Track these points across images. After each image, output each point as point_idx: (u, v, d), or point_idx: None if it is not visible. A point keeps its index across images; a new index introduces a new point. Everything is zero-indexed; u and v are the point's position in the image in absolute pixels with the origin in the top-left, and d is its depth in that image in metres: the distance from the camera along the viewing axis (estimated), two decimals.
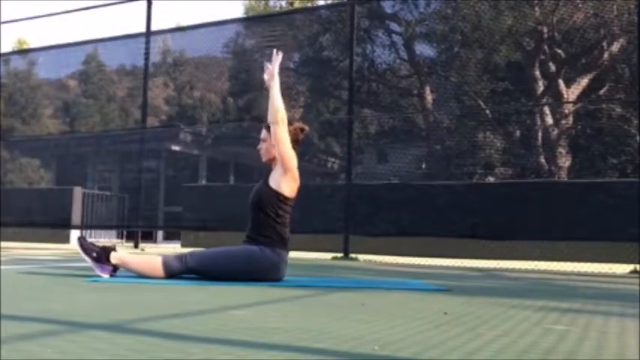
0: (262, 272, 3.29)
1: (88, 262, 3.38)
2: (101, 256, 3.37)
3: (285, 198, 3.36)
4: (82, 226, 11.13)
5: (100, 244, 3.50)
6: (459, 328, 1.85)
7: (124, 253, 3.56)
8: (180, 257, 3.34)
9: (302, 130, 3.49)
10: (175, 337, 1.58)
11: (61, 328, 1.73)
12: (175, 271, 3.32)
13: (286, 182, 3.34)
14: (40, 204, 9.87)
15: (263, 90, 3.50)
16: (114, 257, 3.38)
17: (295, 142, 3.43)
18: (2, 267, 4.29)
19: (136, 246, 9.21)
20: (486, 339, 1.67)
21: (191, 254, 3.36)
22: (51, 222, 9.85)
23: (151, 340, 1.52)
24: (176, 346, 1.46)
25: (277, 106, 3.34)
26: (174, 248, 10.10)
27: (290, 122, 3.47)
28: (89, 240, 3.53)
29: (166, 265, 3.31)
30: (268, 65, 3.46)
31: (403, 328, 1.86)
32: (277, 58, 3.45)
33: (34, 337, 1.53)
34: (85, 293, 2.73)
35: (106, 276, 3.33)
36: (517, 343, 1.61)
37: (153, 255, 3.50)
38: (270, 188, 3.35)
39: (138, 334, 1.63)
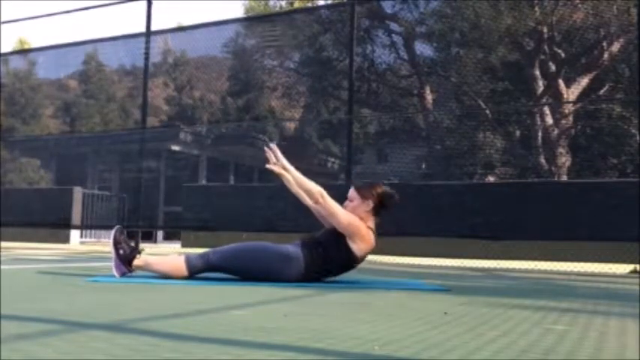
0: (281, 276, 3.26)
1: (112, 255, 3.36)
2: (127, 256, 3.35)
3: (355, 258, 3.32)
4: (82, 226, 11.14)
5: (132, 246, 3.47)
6: (459, 328, 1.85)
7: (146, 255, 3.55)
8: (203, 255, 3.35)
9: (391, 196, 3.41)
10: (175, 337, 1.58)
11: (61, 328, 1.73)
12: (198, 269, 3.32)
13: (356, 244, 3.28)
14: (40, 204, 9.87)
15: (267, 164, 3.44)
16: (138, 259, 3.37)
17: (380, 207, 3.38)
18: (2, 267, 4.29)
19: (136, 246, 9.21)
20: (486, 339, 1.67)
21: (214, 252, 3.36)
22: (51, 222, 9.85)
23: (150, 340, 1.52)
24: (176, 346, 1.46)
25: (310, 188, 3.33)
26: (175, 248, 10.10)
27: (379, 187, 3.41)
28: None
29: (189, 263, 3.30)
30: (273, 162, 3.41)
31: (403, 328, 1.86)
32: (275, 149, 3.42)
33: (34, 337, 1.53)
34: (85, 293, 2.73)
35: (117, 276, 3.33)
36: (517, 343, 1.61)
37: (175, 255, 3.51)
38: (344, 244, 3.28)
39: (138, 334, 1.63)
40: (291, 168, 3.42)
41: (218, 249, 3.39)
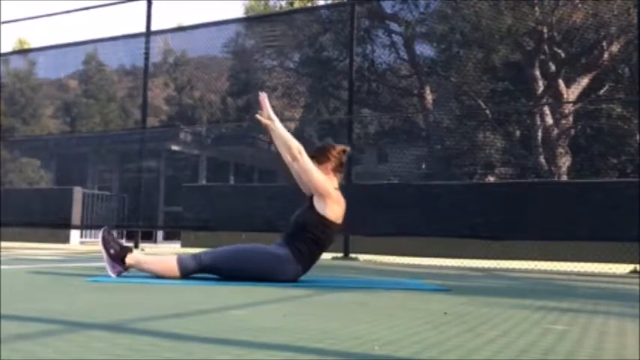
0: (275, 277, 3.27)
1: (103, 256, 3.36)
2: (119, 254, 3.36)
3: (330, 222, 3.34)
4: (81, 226, 11.14)
5: (122, 244, 3.48)
6: (459, 328, 1.85)
7: (138, 253, 3.55)
8: (195, 256, 3.35)
9: (344, 151, 3.50)
10: (175, 337, 1.58)
11: (61, 328, 1.73)
12: (190, 270, 3.31)
13: (329, 207, 3.32)
14: (40, 204, 9.87)
15: (263, 129, 3.52)
16: (129, 257, 3.37)
17: (340, 166, 3.47)
18: (2, 267, 4.29)
19: (136, 246, 9.21)
20: (486, 338, 1.67)
21: (205, 253, 3.36)
22: (51, 222, 9.85)
23: (150, 340, 1.52)
24: (176, 346, 1.46)
25: (290, 144, 3.35)
26: (174, 248, 10.10)
27: (331, 147, 3.50)
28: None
29: (181, 264, 3.30)
30: (262, 111, 3.45)
31: (403, 327, 1.86)
32: (264, 97, 3.46)
33: (34, 337, 1.53)
34: (85, 293, 2.73)
35: (112, 275, 3.33)
36: (516, 343, 1.61)
37: (168, 255, 3.51)
38: (316, 212, 3.32)
39: (137, 334, 1.63)
40: (276, 119, 3.44)
41: (211, 250, 3.39)
